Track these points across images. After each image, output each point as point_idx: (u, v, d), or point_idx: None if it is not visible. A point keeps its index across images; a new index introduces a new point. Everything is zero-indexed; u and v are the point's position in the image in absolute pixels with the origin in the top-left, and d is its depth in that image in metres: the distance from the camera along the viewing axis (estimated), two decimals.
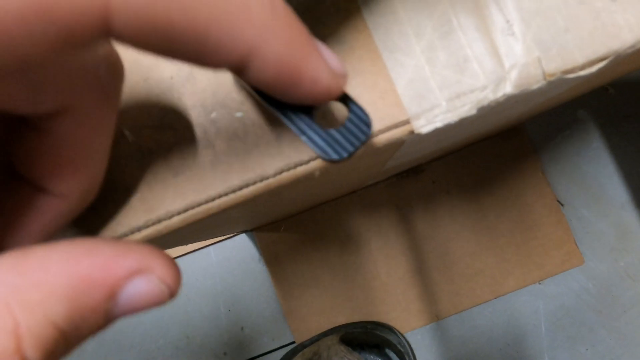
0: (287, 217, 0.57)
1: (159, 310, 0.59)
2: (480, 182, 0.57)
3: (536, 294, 0.58)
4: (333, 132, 0.12)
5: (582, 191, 0.59)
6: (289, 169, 0.15)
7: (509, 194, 0.57)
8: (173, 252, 0.59)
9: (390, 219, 0.57)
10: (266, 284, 0.59)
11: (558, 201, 0.58)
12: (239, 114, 0.15)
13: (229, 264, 0.60)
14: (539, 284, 0.58)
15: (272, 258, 0.58)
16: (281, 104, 0.12)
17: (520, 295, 0.58)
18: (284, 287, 0.58)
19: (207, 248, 0.60)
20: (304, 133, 0.12)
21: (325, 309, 0.57)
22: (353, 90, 0.15)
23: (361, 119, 0.12)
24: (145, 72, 0.16)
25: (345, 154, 0.12)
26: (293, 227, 0.58)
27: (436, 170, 0.57)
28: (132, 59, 0.16)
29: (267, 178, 0.15)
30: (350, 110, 0.12)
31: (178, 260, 0.60)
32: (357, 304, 0.56)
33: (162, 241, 0.18)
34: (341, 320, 0.56)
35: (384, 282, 0.57)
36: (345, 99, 0.12)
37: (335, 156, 0.12)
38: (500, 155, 0.57)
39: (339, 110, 0.15)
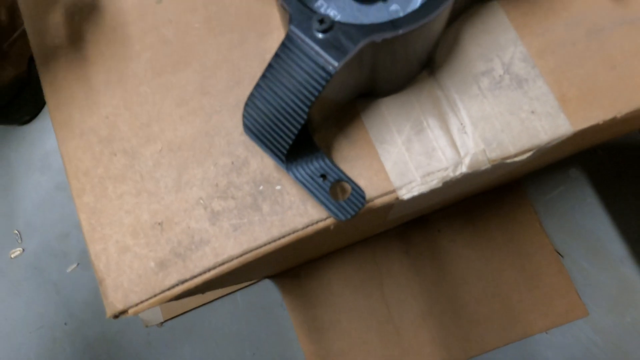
0: (306, 263, 0.63)
1: (190, 353, 0.64)
2: (482, 232, 0.62)
3: (545, 344, 0.59)
4: (342, 202, 0.19)
5: (581, 244, 0.62)
6: (312, 224, 0.22)
7: (509, 243, 0.62)
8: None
9: (400, 264, 0.62)
10: (288, 327, 0.63)
11: (557, 252, 0.61)
12: (278, 187, 0.22)
13: (254, 308, 0.65)
14: (546, 333, 0.59)
15: (293, 303, 0.63)
16: (310, 185, 0.19)
17: (529, 344, 0.60)
18: (304, 331, 0.63)
19: (235, 294, 0.65)
20: (322, 203, 0.19)
21: (343, 352, 0.61)
22: (356, 170, 0.22)
23: (359, 194, 0.19)
24: (214, 159, 0.23)
25: (349, 216, 0.19)
26: (312, 273, 0.63)
27: (440, 221, 0.62)
28: (204, 150, 0.23)
29: (298, 230, 0.22)
30: (352, 188, 0.19)
31: (208, 306, 0.65)
32: (373, 347, 0.61)
33: (220, 280, 0.24)
34: None
35: (397, 325, 0.61)
36: (349, 181, 0.19)
37: (342, 217, 0.19)
38: (499, 208, 0.62)
39: (346, 186, 0.22)
